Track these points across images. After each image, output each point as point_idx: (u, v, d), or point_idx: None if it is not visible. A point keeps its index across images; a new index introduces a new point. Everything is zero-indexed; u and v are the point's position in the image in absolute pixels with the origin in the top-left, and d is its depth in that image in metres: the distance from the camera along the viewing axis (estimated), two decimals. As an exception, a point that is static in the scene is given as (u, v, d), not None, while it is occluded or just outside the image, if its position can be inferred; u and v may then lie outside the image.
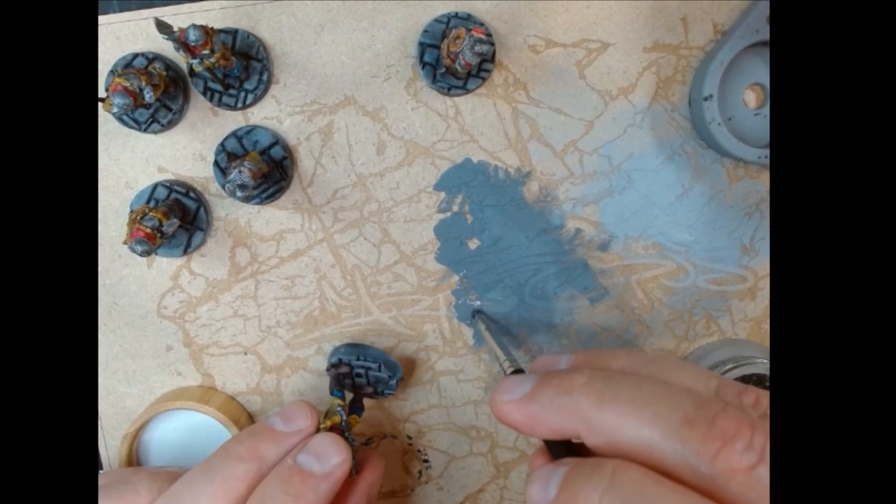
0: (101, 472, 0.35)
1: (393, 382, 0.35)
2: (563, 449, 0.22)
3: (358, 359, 0.35)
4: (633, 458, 0.19)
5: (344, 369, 0.35)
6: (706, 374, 0.22)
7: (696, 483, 0.18)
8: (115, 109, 0.29)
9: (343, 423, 0.30)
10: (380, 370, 0.35)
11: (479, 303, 0.36)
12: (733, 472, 0.18)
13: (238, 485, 0.27)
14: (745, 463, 0.18)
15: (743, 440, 0.18)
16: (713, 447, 0.18)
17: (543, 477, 0.21)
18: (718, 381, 0.21)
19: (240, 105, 0.34)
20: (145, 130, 0.33)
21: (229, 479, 0.27)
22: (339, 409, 0.31)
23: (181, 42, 0.28)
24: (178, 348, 0.37)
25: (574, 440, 0.22)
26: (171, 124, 0.34)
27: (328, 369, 0.36)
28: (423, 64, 0.33)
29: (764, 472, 0.18)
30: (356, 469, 0.30)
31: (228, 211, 0.35)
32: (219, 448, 0.29)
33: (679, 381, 0.21)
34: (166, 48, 0.33)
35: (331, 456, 0.28)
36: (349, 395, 0.34)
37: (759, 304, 0.37)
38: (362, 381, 0.36)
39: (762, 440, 0.18)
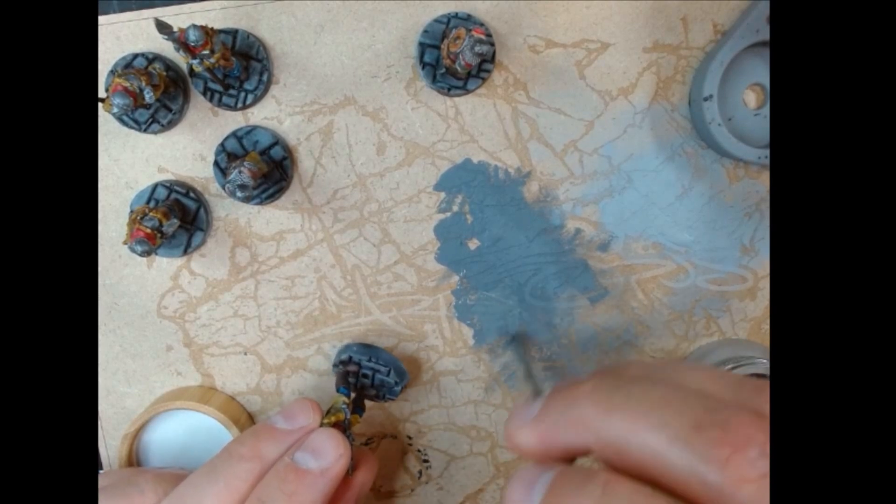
0: (103, 472, 0.34)
1: (397, 389, 0.35)
2: None
3: (369, 360, 0.35)
4: (642, 470, 0.18)
5: (352, 367, 0.35)
6: (723, 374, 0.20)
7: (704, 494, 0.16)
8: (115, 109, 0.29)
9: (346, 421, 0.30)
10: (388, 375, 0.35)
11: (516, 328, 0.35)
12: (744, 481, 0.16)
13: (241, 484, 0.27)
14: (758, 471, 0.16)
15: (756, 446, 0.16)
16: (724, 453, 0.16)
17: (528, 479, 0.19)
18: (735, 379, 0.19)
19: (240, 105, 0.34)
20: (145, 130, 0.33)
21: (232, 479, 0.27)
22: (343, 406, 0.31)
23: (181, 42, 0.28)
24: (178, 348, 0.37)
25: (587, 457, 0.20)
26: (171, 124, 0.34)
27: (336, 365, 0.36)
28: (423, 64, 0.33)
29: None
30: (352, 469, 0.30)
31: (228, 211, 0.35)
32: (222, 449, 0.29)
33: (694, 384, 0.19)
34: (166, 48, 0.33)
35: (328, 452, 0.28)
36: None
37: (759, 304, 0.37)
38: (367, 383, 0.36)
39: None
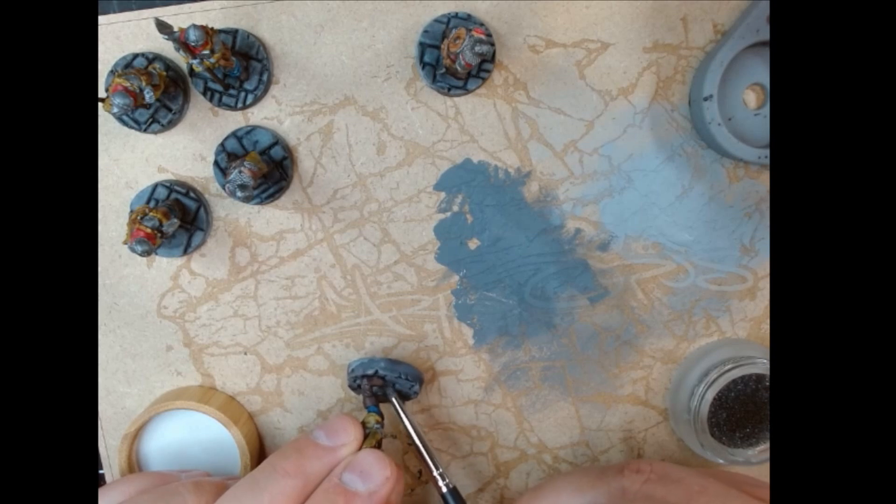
0: (128, 476, 0.33)
1: (413, 394, 0.36)
2: None
3: (399, 376, 0.35)
4: None
5: (377, 381, 0.35)
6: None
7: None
8: (115, 109, 0.29)
9: (381, 440, 0.30)
10: (411, 388, 0.35)
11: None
12: (634, 482, 0.29)
13: (285, 501, 0.27)
14: (644, 475, 0.29)
15: (638, 463, 0.29)
16: (619, 468, 0.29)
17: None
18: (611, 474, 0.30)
19: (240, 105, 0.34)
20: (145, 130, 0.33)
21: (276, 495, 0.27)
22: (377, 426, 0.31)
23: (181, 42, 0.28)
24: (178, 348, 0.37)
25: None
26: (171, 124, 0.34)
27: (359, 377, 0.35)
28: (423, 64, 0.33)
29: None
30: None
31: (228, 211, 0.35)
32: (265, 462, 0.28)
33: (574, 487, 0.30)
34: (166, 48, 0.33)
35: (375, 475, 0.28)
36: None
37: (759, 304, 0.37)
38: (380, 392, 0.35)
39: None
